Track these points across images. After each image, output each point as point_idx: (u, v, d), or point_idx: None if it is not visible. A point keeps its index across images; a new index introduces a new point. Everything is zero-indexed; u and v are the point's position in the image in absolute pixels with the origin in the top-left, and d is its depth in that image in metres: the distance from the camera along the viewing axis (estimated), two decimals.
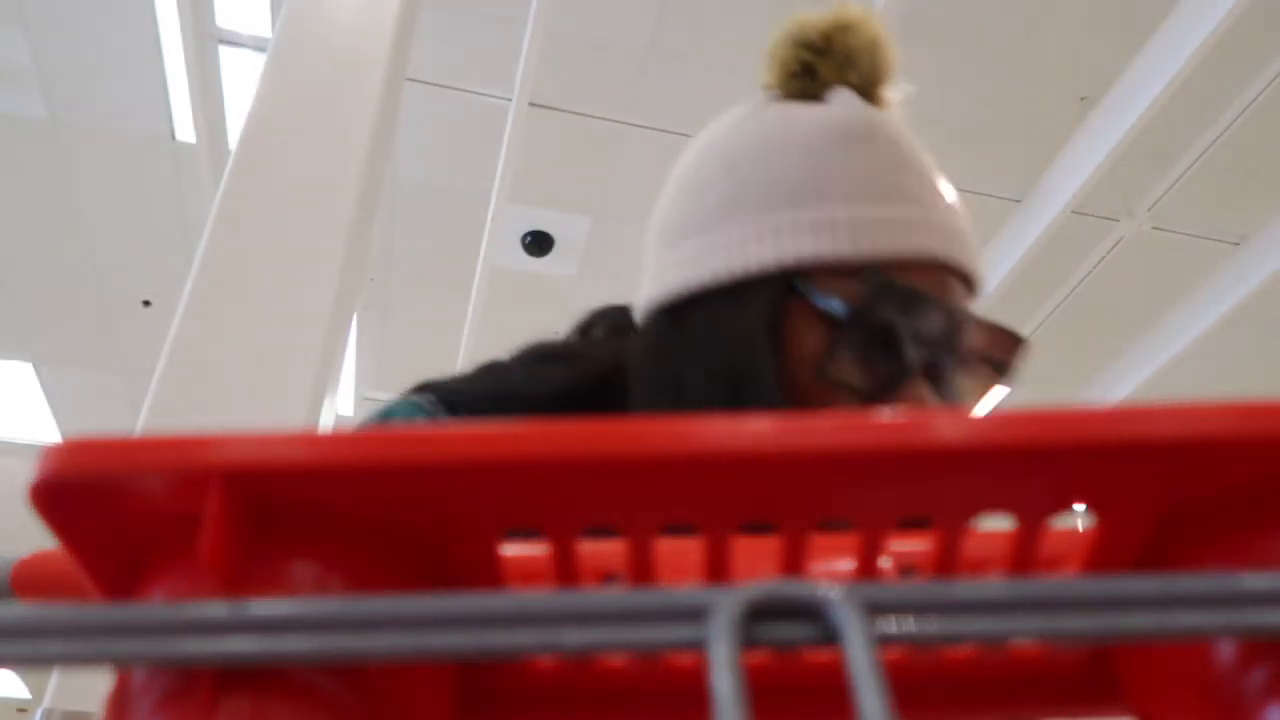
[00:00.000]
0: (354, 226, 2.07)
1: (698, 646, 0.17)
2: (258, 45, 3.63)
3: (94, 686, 1.60)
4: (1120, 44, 3.77)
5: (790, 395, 0.49)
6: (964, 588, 0.18)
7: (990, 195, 4.52)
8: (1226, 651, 0.20)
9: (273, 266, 1.98)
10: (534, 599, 0.17)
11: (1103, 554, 0.21)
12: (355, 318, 2.35)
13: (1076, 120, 4.12)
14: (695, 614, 0.17)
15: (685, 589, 0.17)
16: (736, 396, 0.48)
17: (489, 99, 3.78)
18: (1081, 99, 4.04)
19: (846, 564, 0.23)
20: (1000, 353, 0.53)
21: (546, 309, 4.27)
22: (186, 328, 1.87)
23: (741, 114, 0.57)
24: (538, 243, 4.16)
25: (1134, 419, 0.18)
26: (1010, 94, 4.01)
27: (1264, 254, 4.59)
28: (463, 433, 0.19)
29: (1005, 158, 4.32)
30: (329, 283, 1.98)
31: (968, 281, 0.53)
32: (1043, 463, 0.19)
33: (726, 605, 0.17)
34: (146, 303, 4.92)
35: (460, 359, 4.33)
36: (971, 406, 0.53)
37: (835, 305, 0.48)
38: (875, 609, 0.17)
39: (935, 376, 0.50)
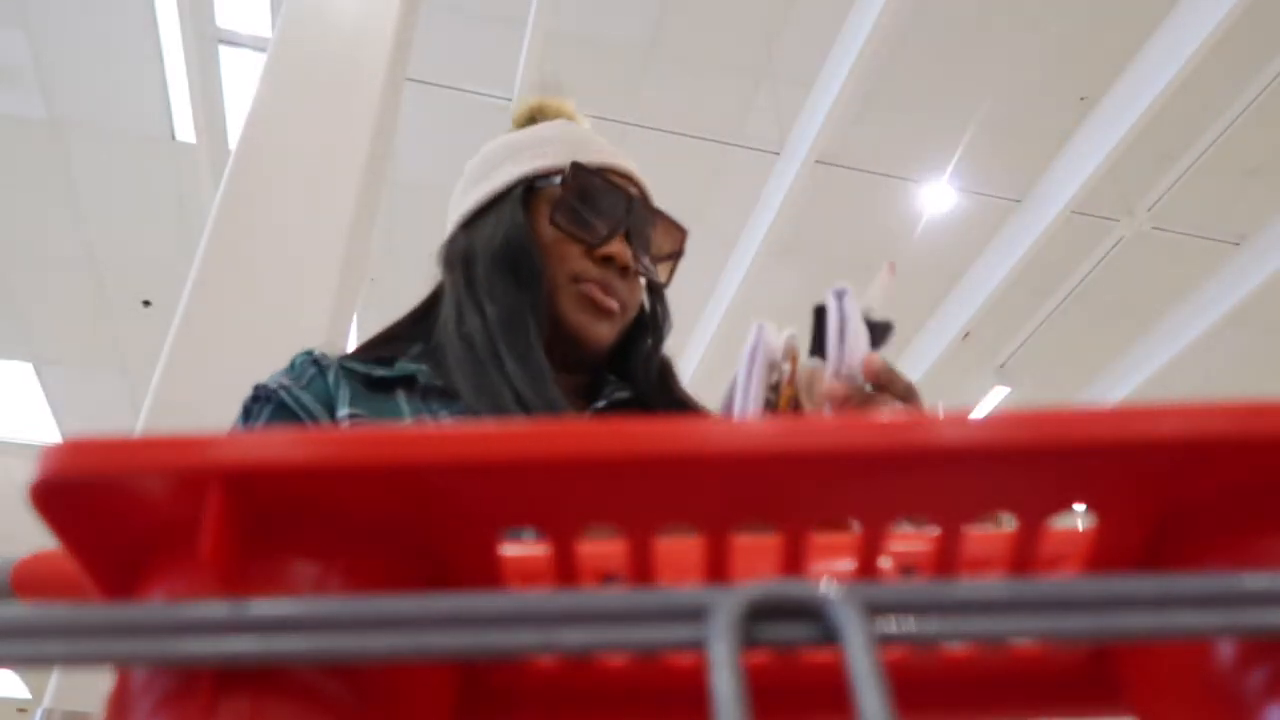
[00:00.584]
0: (354, 226, 2.07)
1: (698, 646, 0.17)
2: (258, 45, 3.63)
3: (94, 686, 1.60)
4: (1120, 44, 3.77)
5: (545, 255, 0.79)
6: (964, 588, 0.18)
7: (990, 195, 4.51)
8: (1226, 651, 0.20)
9: (273, 266, 1.97)
10: (534, 599, 0.17)
11: (1103, 554, 0.21)
12: (355, 318, 2.35)
13: (1076, 120, 4.12)
14: (695, 614, 0.17)
15: (685, 589, 0.17)
16: (511, 260, 0.78)
17: (489, 99, 3.78)
18: (1081, 99, 4.04)
19: (846, 564, 0.23)
20: (671, 226, 0.85)
21: None
22: (186, 328, 1.87)
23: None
24: None
25: (1134, 419, 0.18)
26: (1010, 94, 4.01)
27: (1264, 254, 4.59)
28: (462, 433, 0.19)
29: (1005, 158, 4.32)
30: (329, 283, 1.98)
31: (635, 183, 0.85)
32: (1043, 463, 0.19)
33: (726, 605, 0.17)
34: (146, 303, 4.93)
35: None
36: (662, 260, 0.84)
37: (553, 185, 0.81)
38: (875, 609, 0.17)
39: (631, 236, 0.80)
